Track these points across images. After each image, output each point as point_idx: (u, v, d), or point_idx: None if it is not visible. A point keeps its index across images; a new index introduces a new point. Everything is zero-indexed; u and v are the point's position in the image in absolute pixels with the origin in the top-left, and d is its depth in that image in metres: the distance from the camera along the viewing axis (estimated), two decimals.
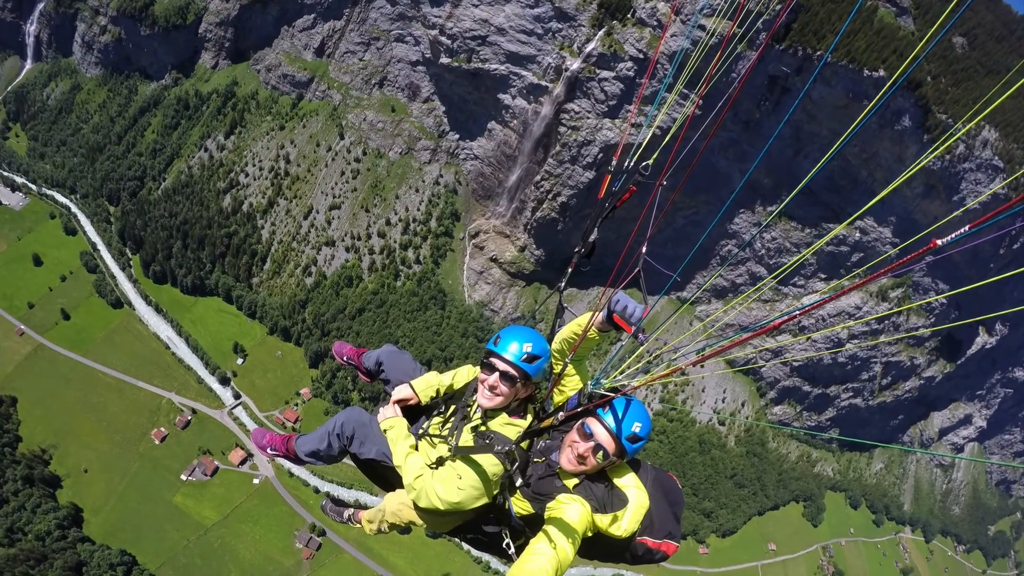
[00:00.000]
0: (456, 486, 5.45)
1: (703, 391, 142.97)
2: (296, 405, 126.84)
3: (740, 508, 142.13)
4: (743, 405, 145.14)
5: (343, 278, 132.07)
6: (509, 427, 5.56)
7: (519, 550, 5.71)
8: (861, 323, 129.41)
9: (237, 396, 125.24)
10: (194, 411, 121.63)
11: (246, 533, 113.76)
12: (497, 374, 5.39)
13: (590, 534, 5.25)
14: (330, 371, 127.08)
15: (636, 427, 5.11)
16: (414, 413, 6.50)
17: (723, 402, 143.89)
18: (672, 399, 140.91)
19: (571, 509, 5.15)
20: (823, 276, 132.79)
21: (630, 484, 5.37)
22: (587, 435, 5.18)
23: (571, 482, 5.36)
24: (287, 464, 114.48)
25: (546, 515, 5.29)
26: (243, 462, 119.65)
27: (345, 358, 8.11)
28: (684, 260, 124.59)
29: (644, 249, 5.04)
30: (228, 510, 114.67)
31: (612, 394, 5.24)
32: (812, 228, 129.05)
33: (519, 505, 5.62)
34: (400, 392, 6.45)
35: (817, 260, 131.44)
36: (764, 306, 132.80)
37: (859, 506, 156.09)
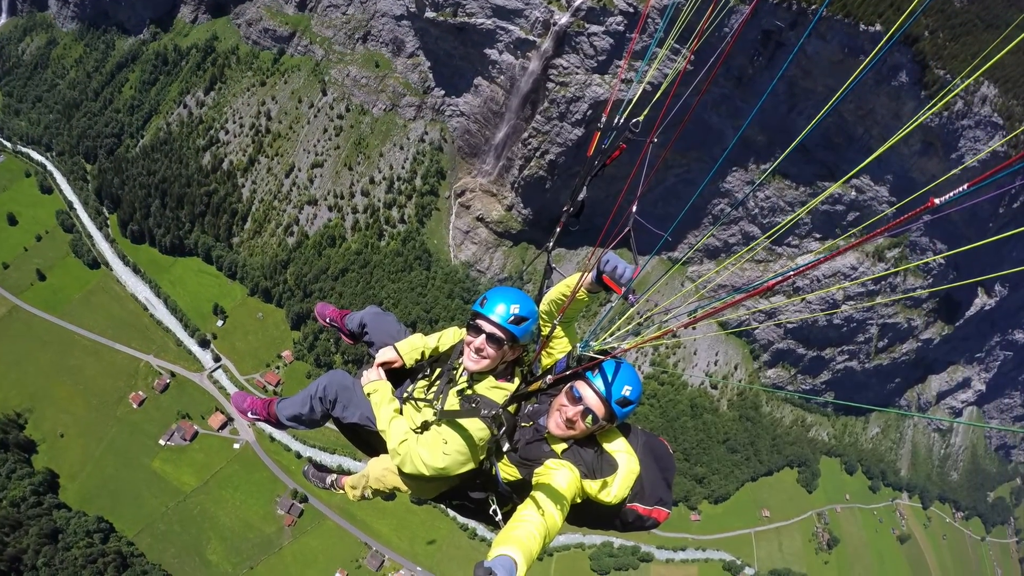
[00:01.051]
0: (442, 451, 5.38)
1: (695, 354, 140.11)
2: (277, 368, 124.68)
3: (733, 474, 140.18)
4: (736, 368, 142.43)
5: (326, 238, 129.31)
6: (496, 390, 5.48)
7: (506, 517, 5.49)
8: (857, 284, 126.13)
9: (217, 359, 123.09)
10: (173, 374, 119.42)
11: (226, 499, 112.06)
12: (483, 336, 5.32)
13: (579, 500, 5.20)
14: (312, 333, 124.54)
15: (626, 391, 5.02)
16: (398, 376, 6.42)
17: (715, 365, 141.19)
18: (663, 362, 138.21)
19: (559, 475, 5.09)
20: (818, 236, 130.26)
21: (620, 449, 5.32)
22: (576, 399, 5.09)
23: (559, 447, 5.30)
24: (268, 429, 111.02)
25: (534, 481, 5.22)
26: (223, 426, 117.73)
27: (328, 320, 7.90)
28: (675, 219, 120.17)
29: (634, 208, 4.91)
30: (208, 476, 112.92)
31: (601, 357, 5.05)
32: (807, 186, 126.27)
33: (506, 471, 5.55)
34: (384, 355, 6.37)
35: (812, 219, 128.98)
36: (757, 266, 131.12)
37: (855, 472, 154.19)
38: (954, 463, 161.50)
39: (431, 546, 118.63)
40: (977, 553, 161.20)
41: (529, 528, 4.55)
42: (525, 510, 4.80)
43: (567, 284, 5.53)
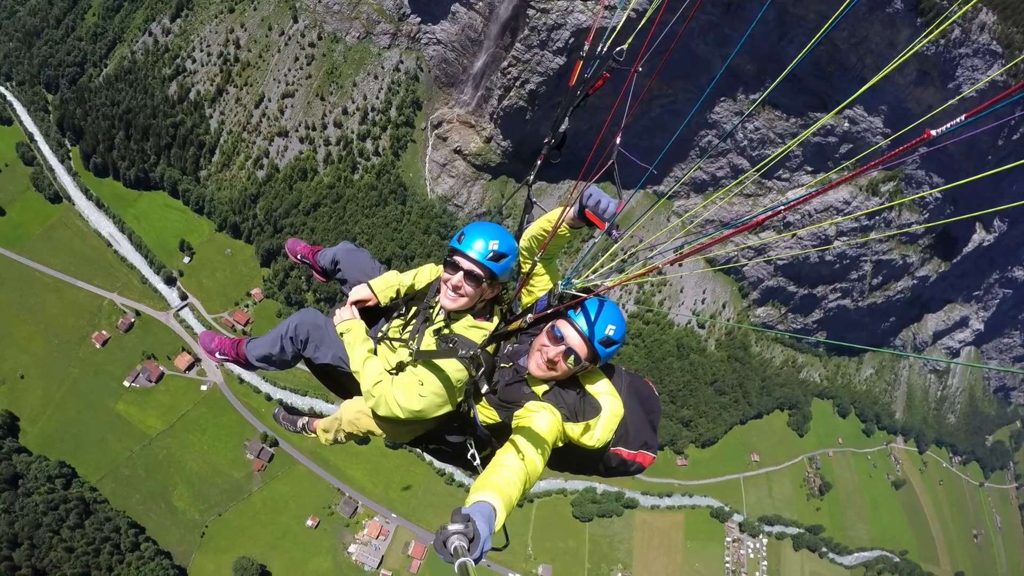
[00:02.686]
0: (417, 393, 5.28)
1: (681, 291, 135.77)
2: (247, 306, 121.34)
3: (721, 416, 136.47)
4: (724, 307, 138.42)
5: (297, 171, 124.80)
6: (474, 330, 5.42)
7: (485, 462, 5.64)
8: (850, 219, 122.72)
9: (184, 297, 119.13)
10: (138, 313, 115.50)
11: (193, 443, 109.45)
12: (461, 273, 5.25)
13: (560, 444, 5.13)
14: (283, 270, 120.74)
15: (610, 330, 4.98)
16: (372, 315, 6.30)
17: (703, 303, 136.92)
18: (648, 300, 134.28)
19: (540, 417, 5.00)
20: (809, 169, 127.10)
21: (603, 391, 5.24)
22: (557, 338, 5.04)
23: (540, 388, 5.23)
24: (237, 370, 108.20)
25: (514, 424, 5.17)
26: (190, 367, 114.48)
27: (299, 256, 7.67)
28: (661, 152, 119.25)
29: (618, 140, 4.76)
30: (174, 419, 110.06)
31: (584, 295, 5.01)
32: (798, 118, 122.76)
33: (485, 413, 5.50)
34: (357, 292, 6.20)
35: (803, 152, 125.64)
36: (746, 201, 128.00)
37: (848, 414, 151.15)
38: (951, 405, 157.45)
39: (406, 492, 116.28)
40: (975, 499, 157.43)
41: (508, 473, 4.37)
42: (504, 455, 4.62)
43: (548, 219, 5.31)
